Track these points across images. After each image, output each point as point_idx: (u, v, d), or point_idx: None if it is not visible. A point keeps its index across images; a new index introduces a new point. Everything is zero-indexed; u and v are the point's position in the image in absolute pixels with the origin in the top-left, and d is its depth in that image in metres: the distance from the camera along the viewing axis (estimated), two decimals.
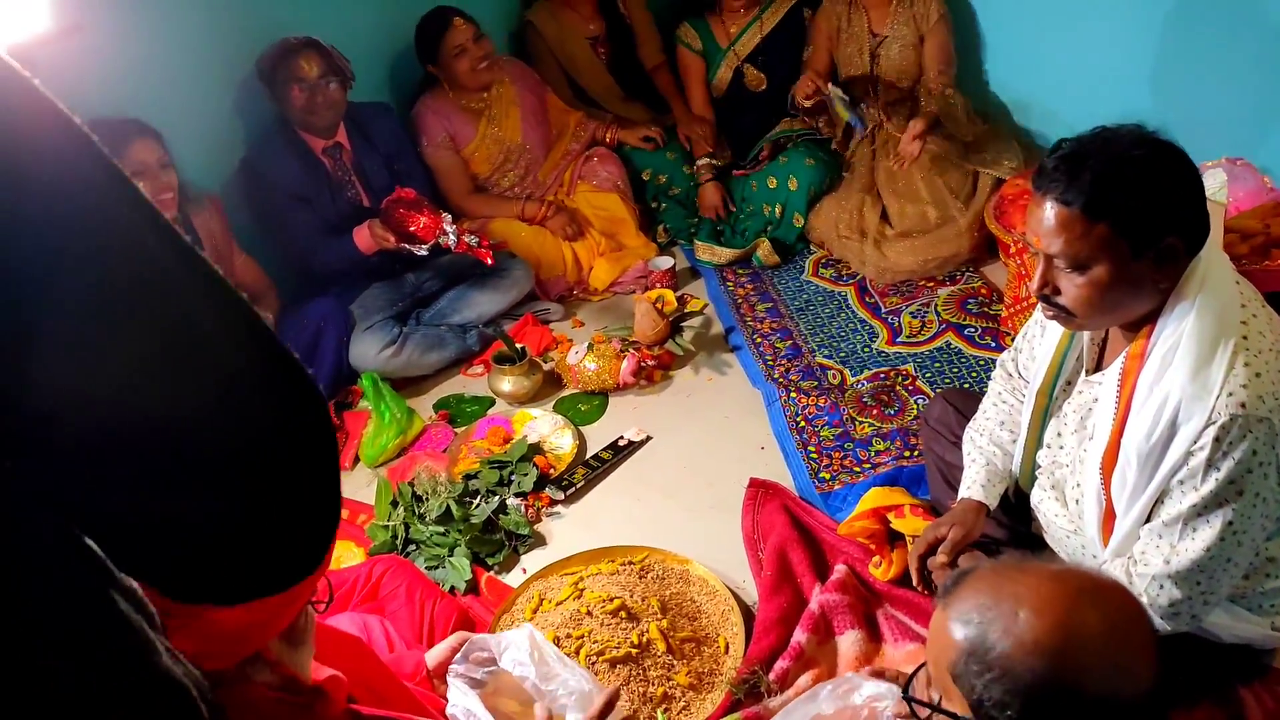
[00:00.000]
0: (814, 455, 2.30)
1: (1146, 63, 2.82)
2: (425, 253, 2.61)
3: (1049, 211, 1.32)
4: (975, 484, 1.71)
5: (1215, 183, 2.36)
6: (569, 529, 2.22)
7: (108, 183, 0.50)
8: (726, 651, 1.81)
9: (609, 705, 1.44)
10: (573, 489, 2.28)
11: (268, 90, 2.62)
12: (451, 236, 2.56)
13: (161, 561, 0.56)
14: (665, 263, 3.06)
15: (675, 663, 1.76)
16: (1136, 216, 1.28)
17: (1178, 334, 1.33)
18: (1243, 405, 1.26)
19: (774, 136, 3.34)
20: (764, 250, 3.13)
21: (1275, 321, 1.37)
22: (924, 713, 0.95)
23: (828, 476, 2.23)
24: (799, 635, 1.78)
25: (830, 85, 3.16)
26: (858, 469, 2.25)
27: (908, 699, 0.99)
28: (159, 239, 0.52)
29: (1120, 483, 1.42)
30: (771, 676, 1.71)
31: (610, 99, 3.58)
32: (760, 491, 2.17)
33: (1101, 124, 1.35)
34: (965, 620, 0.90)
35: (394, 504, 2.24)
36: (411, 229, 2.58)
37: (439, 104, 3.04)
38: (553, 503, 2.27)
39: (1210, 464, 1.29)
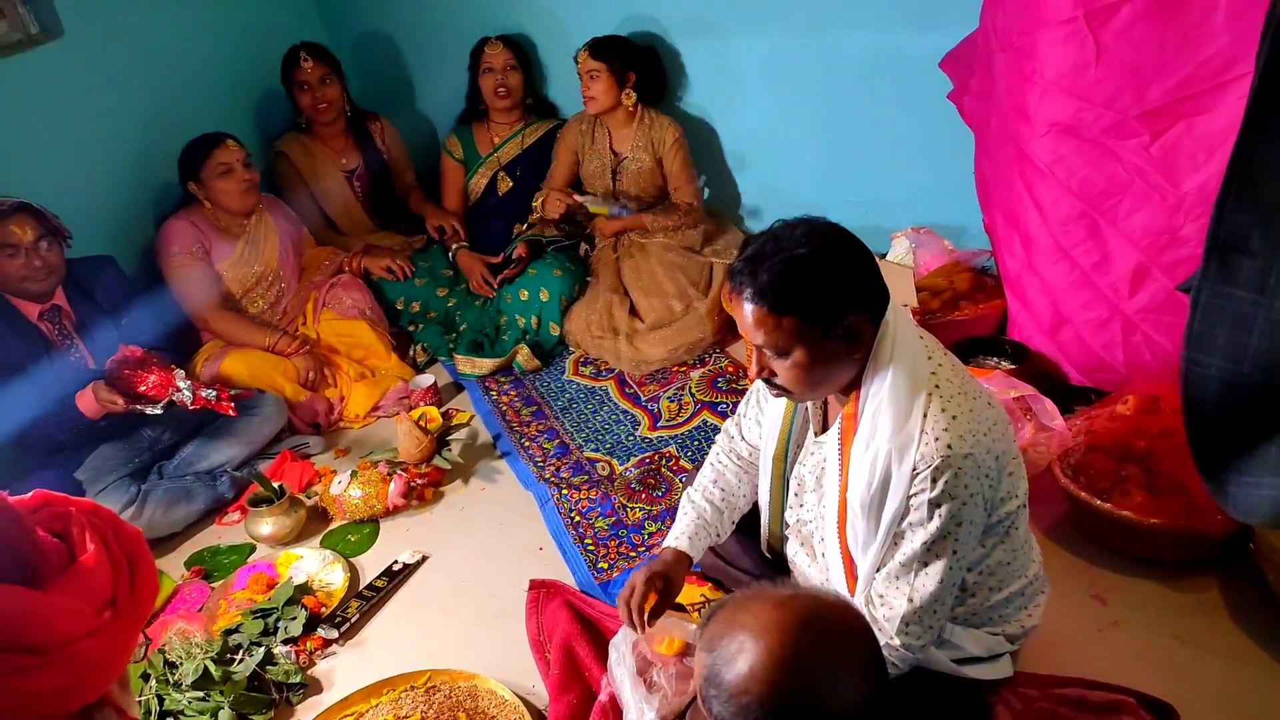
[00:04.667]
0: (591, 548, 2.33)
1: (841, 157, 3.21)
2: (160, 412, 2.45)
3: (745, 310, 1.44)
4: (682, 535, 1.81)
5: (902, 249, 2.69)
6: (348, 668, 2.09)
7: None
8: None
9: None
10: (347, 625, 2.17)
11: None
12: (186, 394, 2.43)
13: None
14: (426, 380, 3.04)
15: None
16: (815, 306, 1.41)
17: (880, 395, 1.47)
18: (949, 447, 1.41)
19: (527, 237, 3.45)
20: (524, 356, 3.19)
21: (958, 366, 1.55)
22: None
23: (605, 566, 2.26)
24: None
25: (576, 195, 3.37)
26: (633, 554, 2.29)
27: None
28: None
29: (853, 535, 1.54)
30: None
31: (361, 231, 3.60)
32: (541, 592, 2.16)
33: (785, 217, 1.47)
34: (706, 649, 0.95)
35: (144, 677, 2.03)
36: (141, 389, 2.43)
37: (197, 218, 2.99)
38: (326, 643, 2.14)
39: (933, 503, 1.43)
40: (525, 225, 3.52)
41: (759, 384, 1.84)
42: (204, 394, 2.43)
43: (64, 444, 2.52)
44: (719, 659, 0.93)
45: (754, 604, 0.96)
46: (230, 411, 2.48)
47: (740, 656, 0.91)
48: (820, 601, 1.00)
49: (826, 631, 0.93)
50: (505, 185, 3.56)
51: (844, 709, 0.88)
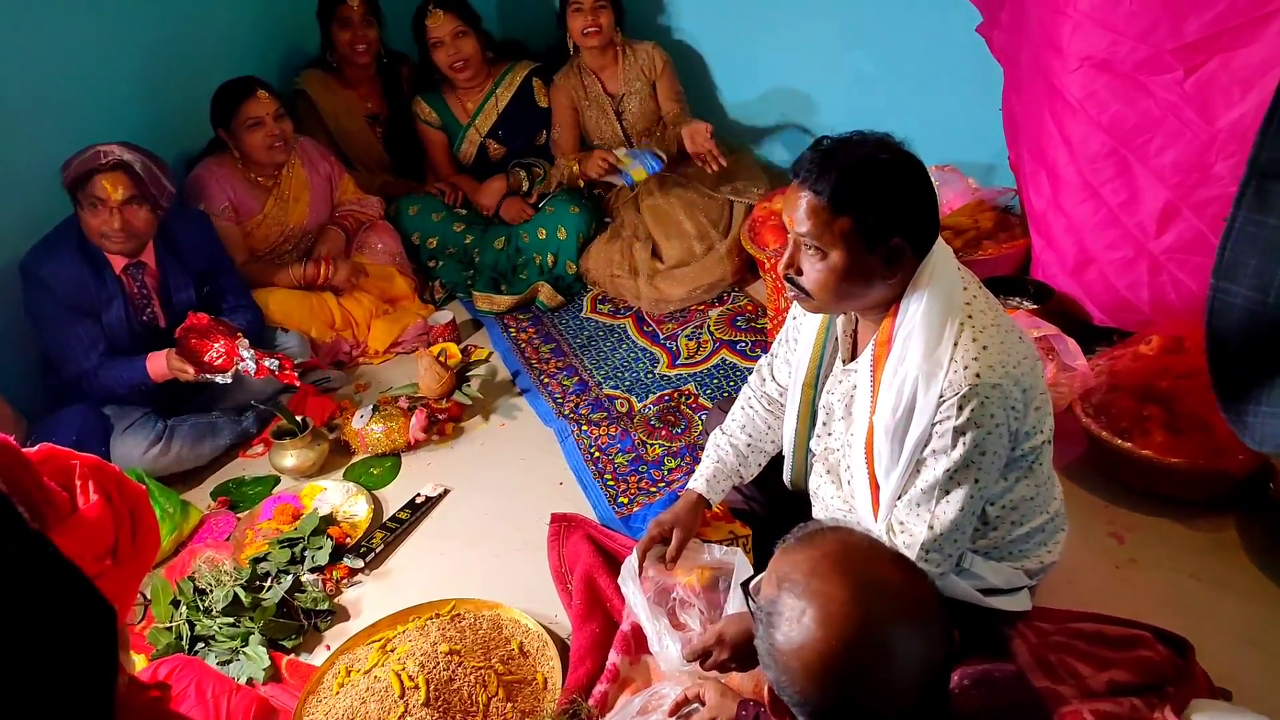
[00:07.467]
0: (611, 483, 2.35)
1: (865, 92, 3.15)
2: (229, 381, 2.44)
3: (802, 198, 1.44)
4: (701, 477, 1.83)
5: None
6: (374, 596, 2.14)
7: None
8: (545, 686, 1.80)
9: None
10: (372, 555, 2.21)
11: (70, 197, 2.39)
12: (250, 363, 2.42)
13: None
14: (445, 317, 3.05)
15: (501, 704, 1.73)
16: (873, 214, 1.41)
17: (913, 320, 1.47)
18: (978, 375, 1.41)
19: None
20: (546, 293, 3.19)
21: (992, 300, 1.55)
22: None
23: (626, 500, 2.29)
24: (613, 657, 1.80)
25: (614, 153, 3.27)
26: (653, 489, 2.32)
27: (746, 591, 1.13)
28: None
29: (879, 459, 1.56)
30: (591, 701, 1.72)
31: (380, 171, 3.56)
32: (562, 525, 2.19)
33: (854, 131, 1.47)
34: (776, 585, 1.04)
35: (175, 603, 2.08)
36: (206, 359, 2.43)
37: (225, 171, 2.90)
38: (352, 572, 2.18)
39: (958, 430, 1.44)
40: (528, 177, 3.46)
41: (790, 323, 1.84)
42: (267, 364, 2.42)
43: (120, 399, 2.53)
44: (785, 616, 1.00)
45: (823, 563, 1.02)
46: (294, 382, 2.48)
47: (804, 620, 0.98)
48: (876, 576, 1.03)
49: (900, 611, 0.99)
50: (498, 151, 3.47)
51: (908, 683, 0.94)
